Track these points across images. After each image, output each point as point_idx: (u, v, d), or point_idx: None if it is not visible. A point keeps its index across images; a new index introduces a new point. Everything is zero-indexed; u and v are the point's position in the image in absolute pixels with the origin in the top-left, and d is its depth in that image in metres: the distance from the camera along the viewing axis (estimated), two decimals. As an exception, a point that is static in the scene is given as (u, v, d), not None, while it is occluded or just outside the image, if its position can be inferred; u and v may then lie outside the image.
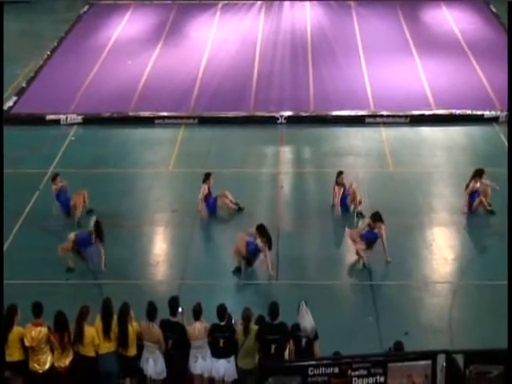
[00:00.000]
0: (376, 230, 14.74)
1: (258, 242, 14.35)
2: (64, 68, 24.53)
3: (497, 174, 16.62)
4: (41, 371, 10.89)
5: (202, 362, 11.03)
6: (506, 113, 20.52)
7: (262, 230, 14.46)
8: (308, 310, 10.90)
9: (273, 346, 10.83)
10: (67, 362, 10.91)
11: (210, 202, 16.42)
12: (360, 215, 16.30)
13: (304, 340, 10.88)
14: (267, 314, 11.01)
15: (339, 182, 16.40)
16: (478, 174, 16.32)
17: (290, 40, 26.70)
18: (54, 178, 16.44)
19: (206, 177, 16.47)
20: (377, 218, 14.79)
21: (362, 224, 15.42)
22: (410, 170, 18.53)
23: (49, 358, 10.90)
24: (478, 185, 16.29)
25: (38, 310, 10.94)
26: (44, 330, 10.82)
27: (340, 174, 16.50)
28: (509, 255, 11.71)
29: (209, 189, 16.38)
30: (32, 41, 27.18)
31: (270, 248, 14.41)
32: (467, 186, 16.38)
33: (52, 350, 10.92)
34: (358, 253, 14.83)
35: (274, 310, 10.97)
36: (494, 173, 16.72)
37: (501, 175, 16.43)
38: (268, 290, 14.07)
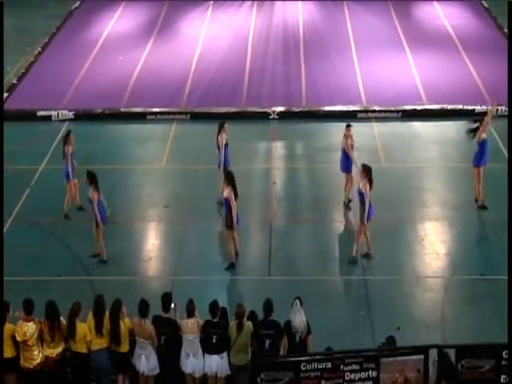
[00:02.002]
0: (362, 189, 14.19)
1: (225, 192, 14.13)
2: (55, 64, 24.44)
3: (489, 169, 16.58)
4: (32, 366, 10.87)
5: (194, 360, 10.95)
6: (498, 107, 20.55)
7: (229, 176, 14.32)
8: (302, 308, 10.88)
9: (267, 342, 10.82)
10: (55, 352, 10.89)
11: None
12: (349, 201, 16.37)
13: (298, 336, 10.84)
14: (262, 310, 10.99)
15: (346, 135, 16.22)
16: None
17: (283, 35, 26.64)
18: (67, 136, 16.01)
19: (221, 126, 16.35)
20: (364, 171, 14.26)
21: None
22: (402, 165, 18.55)
23: (40, 354, 10.88)
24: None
25: (29, 307, 10.92)
26: (35, 325, 10.80)
27: (348, 126, 16.32)
28: (509, 250, 11.75)
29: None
30: (23, 37, 27.03)
31: (236, 196, 14.20)
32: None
33: (42, 343, 10.90)
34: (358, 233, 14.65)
35: (268, 306, 10.96)
36: (486, 167, 16.70)
37: (493, 169, 16.48)
38: (261, 286, 14.07)
